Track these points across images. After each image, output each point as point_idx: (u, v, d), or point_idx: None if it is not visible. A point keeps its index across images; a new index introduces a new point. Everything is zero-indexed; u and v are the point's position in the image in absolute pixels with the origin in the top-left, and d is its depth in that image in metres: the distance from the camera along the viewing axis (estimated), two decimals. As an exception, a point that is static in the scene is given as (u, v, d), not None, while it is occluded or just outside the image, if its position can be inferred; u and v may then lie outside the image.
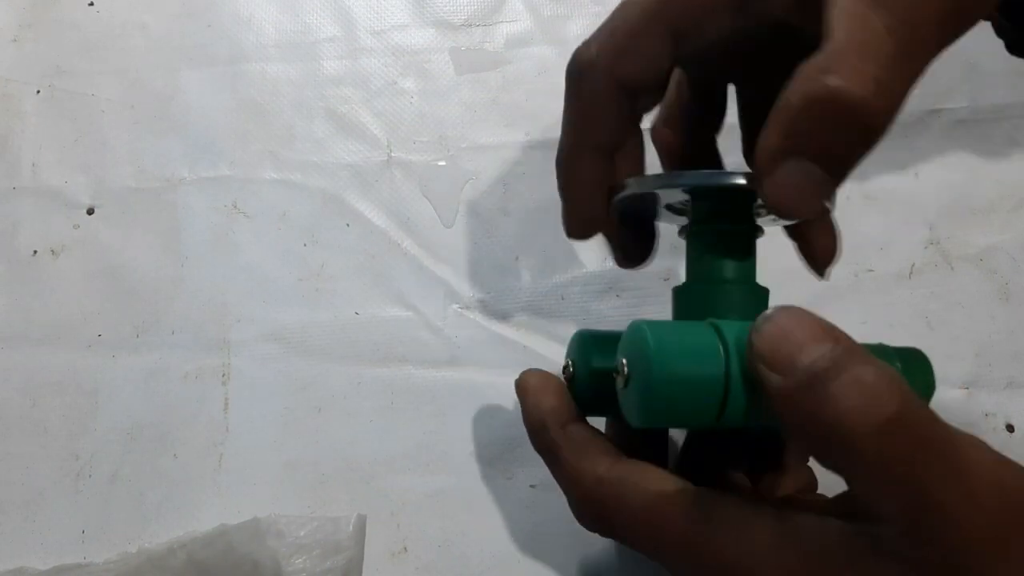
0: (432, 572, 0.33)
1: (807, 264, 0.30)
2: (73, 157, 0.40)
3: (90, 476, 0.35)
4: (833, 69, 0.20)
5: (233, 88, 0.41)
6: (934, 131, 0.40)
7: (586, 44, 0.25)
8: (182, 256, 0.38)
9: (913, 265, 0.38)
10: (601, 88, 0.25)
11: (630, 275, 0.37)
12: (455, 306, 0.37)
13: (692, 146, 0.30)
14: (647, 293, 0.37)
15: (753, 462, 0.29)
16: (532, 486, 0.34)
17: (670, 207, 0.28)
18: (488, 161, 0.40)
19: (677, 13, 0.24)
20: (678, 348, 0.22)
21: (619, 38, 0.25)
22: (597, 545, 0.33)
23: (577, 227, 0.27)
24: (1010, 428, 0.35)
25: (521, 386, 0.27)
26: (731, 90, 0.30)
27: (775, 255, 0.38)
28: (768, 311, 0.21)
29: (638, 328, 0.23)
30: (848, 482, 0.21)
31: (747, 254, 0.26)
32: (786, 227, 0.29)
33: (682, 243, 0.28)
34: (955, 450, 0.20)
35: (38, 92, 0.41)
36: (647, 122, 0.28)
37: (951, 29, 0.22)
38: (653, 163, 0.29)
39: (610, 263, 0.35)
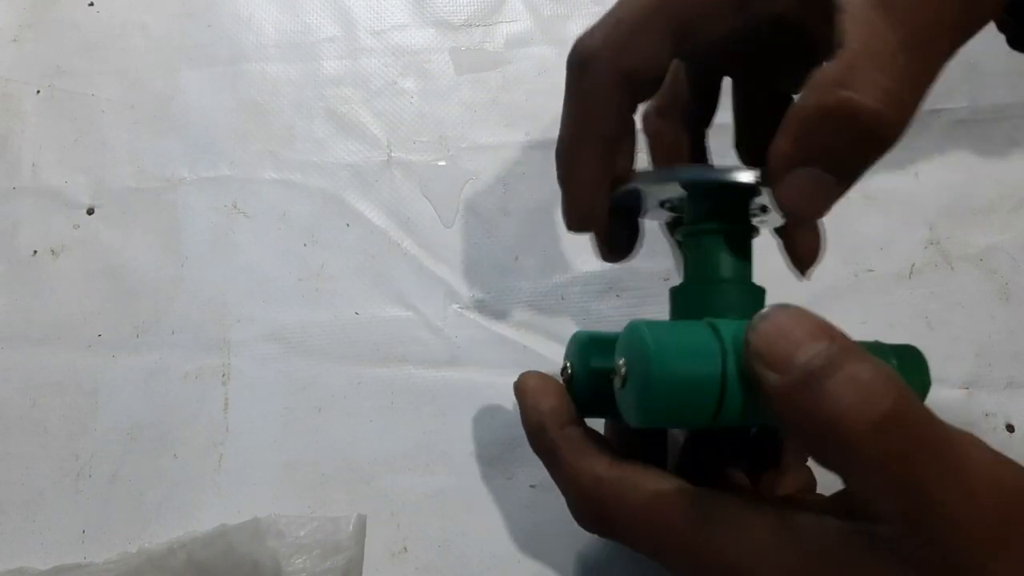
0: (432, 572, 0.33)
1: (790, 263, 0.30)
2: (73, 157, 0.40)
3: (90, 476, 0.35)
4: (847, 81, 0.20)
5: (233, 88, 0.41)
6: (934, 131, 0.40)
7: (589, 34, 0.25)
8: (182, 256, 0.38)
9: (913, 265, 0.38)
10: (604, 79, 0.24)
11: (630, 275, 0.37)
12: (455, 306, 0.37)
13: (683, 139, 0.30)
14: (647, 293, 0.37)
15: (752, 462, 0.29)
16: (532, 486, 0.34)
17: (663, 203, 0.28)
18: (488, 161, 0.40)
19: (682, 6, 0.24)
20: (675, 348, 0.22)
21: (624, 29, 0.24)
22: (597, 545, 0.33)
23: (577, 219, 0.27)
24: (1010, 428, 0.35)
25: (520, 388, 0.27)
26: (724, 85, 0.30)
27: (774, 255, 0.39)
28: (764, 310, 0.21)
29: (636, 328, 0.23)
30: (845, 481, 0.21)
31: (744, 254, 0.26)
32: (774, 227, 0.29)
33: (683, 244, 0.28)
34: (953, 448, 0.20)
35: (38, 92, 0.41)
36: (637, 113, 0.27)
37: (960, 34, 0.22)
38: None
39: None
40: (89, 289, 0.38)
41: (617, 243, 0.29)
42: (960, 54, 0.22)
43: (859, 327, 0.31)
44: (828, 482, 0.22)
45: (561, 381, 0.27)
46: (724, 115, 0.30)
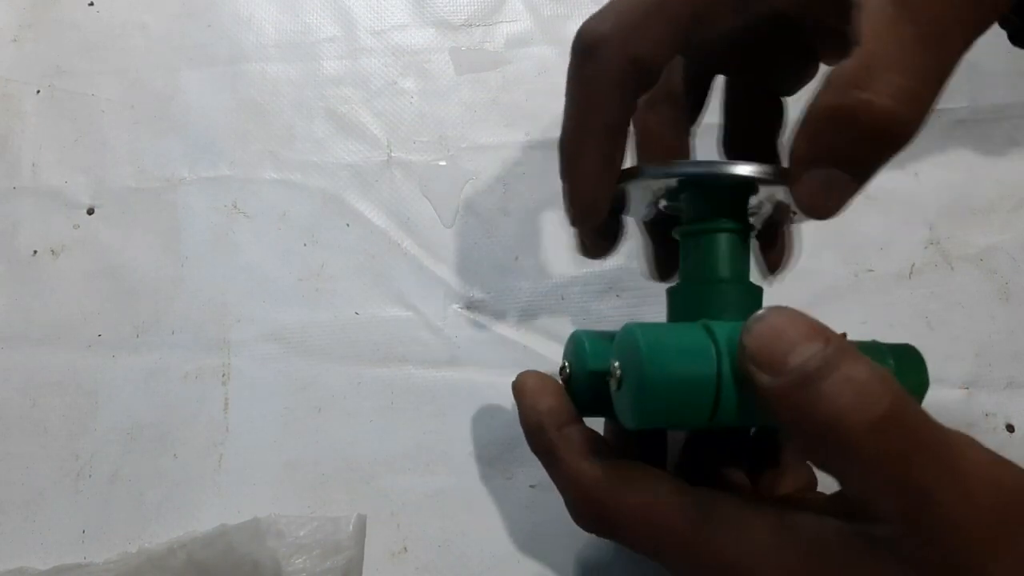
0: (432, 572, 0.33)
1: (761, 265, 0.30)
2: (73, 157, 0.40)
3: (90, 476, 0.35)
4: (864, 81, 0.20)
5: (233, 88, 0.41)
6: (934, 131, 0.40)
7: (595, 20, 0.24)
8: (182, 256, 0.38)
9: (913, 265, 0.38)
10: (611, 65, 0.24)
11: (630, 275, 0.37)
12: (455, 306, 0.37)
13: (672, 136, 0.29)
14: (647, 293, 0.37)
15: (752, 461, 0.29)
16: (532, 486, 0.34)
17: (658, 200, 0.27)
18: (488, 161, 0.40)
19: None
20: (670, 349, 0.22)
21: (633, 15, 0.24)
22: (597, 545, 0.33)
23: (580, 211, 0.26)
24: (1010, 428, 0.35)
25: (518, 388, 0.27)
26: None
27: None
28: (759, 311, 0.21)
29: (630, 331, 0.23)
30: (842, 482, 0.21)
31: (742, 253, 0.26)
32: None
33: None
34: (950, 449, 0.20)
35: (38, 92, 0.41)
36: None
37: (973, 30, 0.22)
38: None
39: (610, 263, 0.35)
40: (89, 289, 0.38)
41: (604, 240, 0.29)
42: (960, 54, 0.23)
43: (859, 327, 0.31)
44: (829, 480, 0.22)
45: (560, 381, 0.27)
46: (708, 116, 0.30)
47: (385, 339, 0.37)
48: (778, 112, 0.29)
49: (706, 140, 0.30)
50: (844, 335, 0.30)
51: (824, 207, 0.22)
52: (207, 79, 0.41)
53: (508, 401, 0.35)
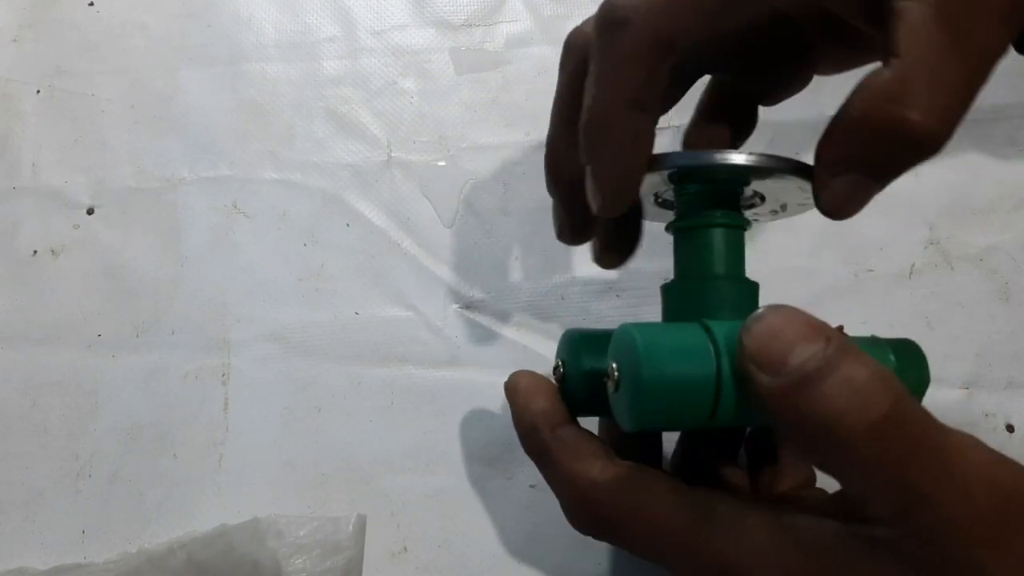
0: (432, 572, 0.33)
1: None
2: (73, 157, 0.40)
3: (90, 476, 0.35)
4: (901, 95, 0.20)
5: (233, 88, 0.41)
6: (934, 131, 0.40)
7: None
8: (182, 256, 0.38)
9: (913, 265, 0.38)
10: (645, 39, 0.22)
11: (630, 275, 0.37)
12: (455, 306, 0.37)
13: (650, 131, 0.29)
14: (647, 293, 0.37)
15: (751, 458, 0.29)
16: (532, 486, 0.34)
17: (656, 197, 0.27)
18: (488, 161, 0.40)
19: None
20: (667, 350, 0.22)
21: None
22: (596, 545, 0.33)
23: (612, 196, 0.24)
24: (1010, 428, 0.35)
25: (511, 388, 0.27)
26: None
27: (774, 254, 0.39)
28: (758, 311, 0.21)
29: (626, 331, 0.23)
30: (841, 482, 0.21)
31: (737, 248, 0.26)
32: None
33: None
34: (949, 449, 0.20)
35: (38, 92, 0.41)
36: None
37: (1007, 40, 0.22)
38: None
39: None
40: (89, 289, 0.38)
41: (622, 243, 0.29)
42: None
43: (859, 327, 0.31)
44: (828, 478, 0.22)
45: (554, 380, 0.27)
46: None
47: (385, 339, 0.37)
48: (753, 121, 0.29)
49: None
50: (840, 328, 0.30)
51: (845, 209, 0.23)
52: (207, 79, 0.41)
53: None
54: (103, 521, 0.34)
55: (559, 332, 0.36)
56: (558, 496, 0.26)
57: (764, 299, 0.26)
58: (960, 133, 0.39)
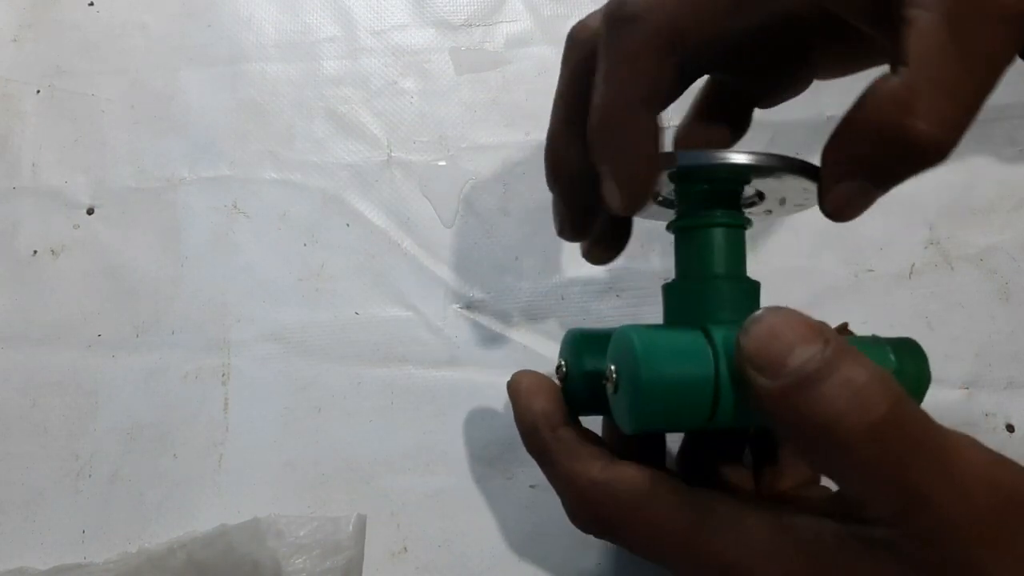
0: (432, 572, 0.33)
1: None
2: (73, 157, 0.40)
3: (90, 476, 0.35)
4: (910, 104, 0.20)
5: (233, 88, 0.41)
6: (934, 131, 0.40)
7: None
8: (182, 256, 0.38)
9: (913, 265, 0.38)
10: (659, 34, 0.22)
11: (630, 275, 0.37)
12: (455, 306, 0.37)
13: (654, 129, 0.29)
14: (647, 293, 0.37)
15: (755, 456, 0.29)
16: (532, 486, 0.34)
17: (656, 195, 0.27)
18: (488, 161, 0.40)
19: None
20: (665, 352, 0.22)
21: None
22: (597, 545, 0.33)
23: (634, 194, 0.23)
24: (1010, 428, 0.35)
25: (513, 388, 0.27)
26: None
27: (774, 254, 0.39)
28: (756, 312, 0.21)
29: (625, 334, 0.23)
30: (840, 484, 0.21)
31: (738, 247, 0.26)
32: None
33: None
34: (948, 450, 0.20)
35: (38, 92, 0.41)
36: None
37: (1014, 53, 0.21)
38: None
39: (610, 263, 0.35)
40: (89, 289, 0.38)
41: (615, 240, 0.29)
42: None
43: (859, 327, 0.31)
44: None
45: (556, 379, 0.27)
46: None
47: (385, 339, 0.37)
48: (747, 122, 0.29)
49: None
50: (845, 325, 0.30)
51: (847, 213, 0.23)
52: (207, 79, 0.41)
53: (508, 401, 0.35)
54: (103, 521, 0.34)
55: (559, 332, 0.37)
56: (559, 495, 0.26)
57: (765, 299, 0.26)
58: (960, 133, 0.38)
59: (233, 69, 0.41)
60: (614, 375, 0.23)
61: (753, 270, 0.26)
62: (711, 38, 0.23)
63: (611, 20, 0.23)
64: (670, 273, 0.27)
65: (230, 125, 0.40)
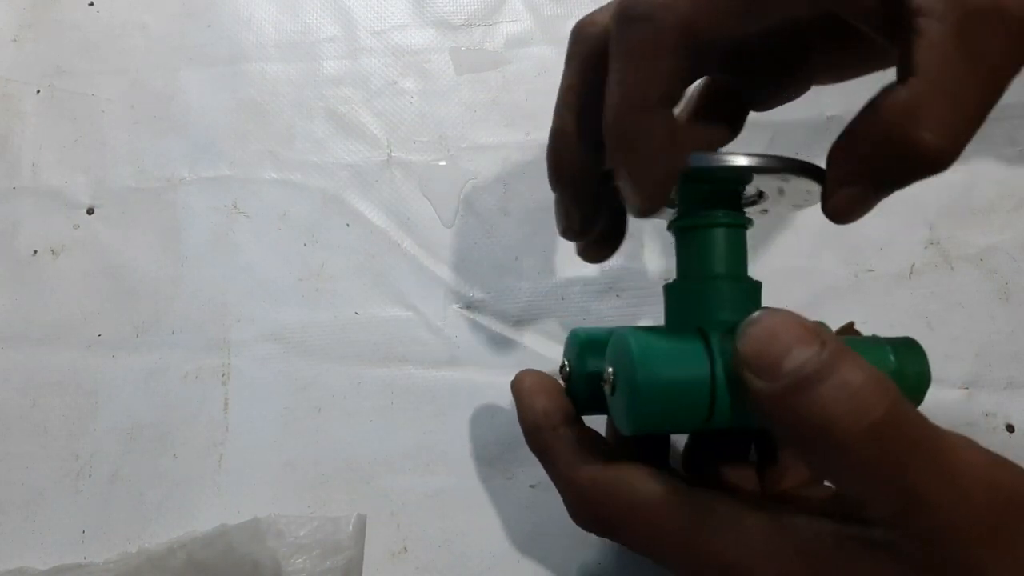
0: (432, 572, 0.33)
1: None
2: (73, 157, 0.40)
3: (90, 476, 0.35)
4: (916, 115, 0.20)
5: (233, 88, 0.41)
6: (934, 131, 0.40)
7: None
8: (182, 256, 0.38)
9: (913, 265, 0.38)
10: (674, 31, 0.22)
11: (630, 275, 0.37)
12: (455, 306, 0.37)
13: None
14: (647, 293, 0.37)
15: (760, 454, 0.29)
16: (532, 486, 0.34)
17: None
18: (488, 161, 0.40)
19: None
20: (662, 355, 0.22)
21: None
22: (597, 545, 0.33)
23: (654, 196, 0.23)
24: (1010, 428, 0.35)
25: (516, 387, 0.27)
26: None
27: (774, 254, 0.39)
28: (753, 315, 0.21)
29: (621, 336, 0.23)
30: (838, 485, 0.21)
31: (738, 248, 0.26)
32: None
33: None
34: (946, 452, 0.20)
35: (38, 92, 0.41)
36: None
37: (1020, 65, 0.22)
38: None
39: (610, 263, 0.35)
40: (89, 289, 0.38)
41: (612, 239, 0.29)
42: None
43: (859, 327, 0.31)
44: (828, 482, 0.22)
45: (560, 379, 0.27)
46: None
47: (385, 339, 0.37)
48: (741, 123, 0.29)
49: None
50: (851, 324, 0.30)
51: (852, 216, 0.23)
52: (207, 79, 0.41)
53: (508, 401, 0.35)
54: (103, 521, 0.34)
55: (559, 332, 0.37)
56: (560, 493, 0.26)
57: (765, 299, 0.26)
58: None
59: (233, 69, 0.41)
60: (612, 378, 0.23)
61: (753, 270, 0.26)
62: (720, 39, 0.22)
63: (623, 17, 0.22)
64: (670, 273, 0.27)
65: (230, 125, 0.40)
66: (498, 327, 0.37)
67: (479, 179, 0.40)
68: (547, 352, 0.36)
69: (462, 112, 0.41)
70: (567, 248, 0.38)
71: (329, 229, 0.39)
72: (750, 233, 0.26)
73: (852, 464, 0.19)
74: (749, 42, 0.26)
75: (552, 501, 0.26)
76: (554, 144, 0.27)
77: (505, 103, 0.41)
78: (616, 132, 0.23)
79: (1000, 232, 0.38)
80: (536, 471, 0.33)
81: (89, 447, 0.35)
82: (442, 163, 0.40)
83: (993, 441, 0.34)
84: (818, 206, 0.24)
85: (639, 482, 0.24)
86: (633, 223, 0.31)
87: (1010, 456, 0.21)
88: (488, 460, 0.35)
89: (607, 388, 0.24)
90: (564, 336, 0.28)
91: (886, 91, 0.21)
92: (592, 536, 0.26)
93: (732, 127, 0.29)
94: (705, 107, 0.29)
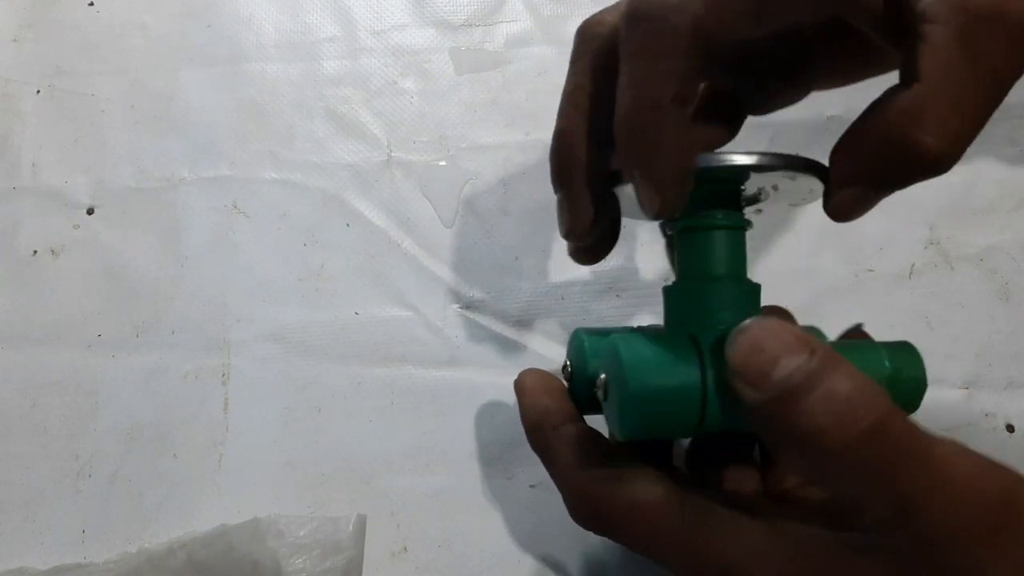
0: (432, 572, 0.33)
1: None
2: (73, 157, 0.40)
3: (90, 476, 0.35)
4: (919, 119, 0.21)
5: (233, 88, 0.41)
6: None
7: None
8: (182, 256, 0.38)
9: (913, 265, 0.38)
10: (687, 31, 0.21)
11: (630, 275, 0.37)
12: (455, 306, 0.37)
13: None
14: (647, 293, 0.37)
15: (762, 454, 0.29)
16: (532, 486, 0.34)
17: None
18: (488, 161, 0.40)
19: None
20: (652, 363, 0.22)
21: None
22: (597, 545, 0.33)
23: (674, 197, 0.23)
24: (1010, 428, 0.35)
25: (519, 385, 0.27)
26: None
27: (774, 255, 0.39)
28: (744, 322, 0.21)
29: (612, 344, 0.23)
30: (830, 492, 0.21)
31: (737, 249, 0.26)
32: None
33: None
34: (936, 458, 0.20)
35: (38, 92, 0.41)
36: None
37: (1022, 71, 0.22)
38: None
39: (610, 263, 0.35)
40: (89, 289, 0.38)
41: (607, 241, 0.28)
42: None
43: (859, 327, 0.31)
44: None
45: (563, 378, 0.27)
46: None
47: (385, 339, 0.37)
48: (738, 125, 0.29)
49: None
50: (859, 326, 0.30)
51: (852, 215, 0.23)
52: (207, 79, 0.41)
53: (508, 401, 0.35)
54: (103, 521, 0.34)
55: (559, 332, 0.37)
56: (560, 492, 0.26)
57: (765, 299, 0.26)
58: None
59: (233, 69, 0.41)
60: (604, 384, 0.23)
61: (754, 270, 0.26)
62: (729, 41, 0.22)
63: (635, 17, 0.22)
64: (670, 273, 0.27)
65: (230, 125, 0.40)
66: (498, 327, 0.37)
67: (479, 179, 0.40)
68: (547, 352, 0.36)
69: (462, 112, 0.41)
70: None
71: (329, 229, 0.39)
72: (750, 234, 0.26)
73: (841, 473, 0.20)
74: (754, 45, 0.26)
75: (552, 501, 0.26)
76: (559, 144, 0.27)
77: (505, 103, 0.41)
78: (629, 131, 0.23)
79: (1000, 232, 0.38)
80: (536, 471, 0.33)
81: (89, 447, 0.35)
82: (442, 163, 0.40)
83: (993, 441, 0.34)
84: (815, 205, 0.24)
85: (639, 482, 0.24)
86: (632, 224, 0.31)
87: (1010, 456, 0.21)
88: (488, 460, 0.35)
89: (600, 394, 0.24)
90: (564, 336, 0.28)
91: (889, 94, 0.21)
92: (592, 536, 0.26)
93: (730, 128, 0.29)
94: (704, 108, 0.29)
